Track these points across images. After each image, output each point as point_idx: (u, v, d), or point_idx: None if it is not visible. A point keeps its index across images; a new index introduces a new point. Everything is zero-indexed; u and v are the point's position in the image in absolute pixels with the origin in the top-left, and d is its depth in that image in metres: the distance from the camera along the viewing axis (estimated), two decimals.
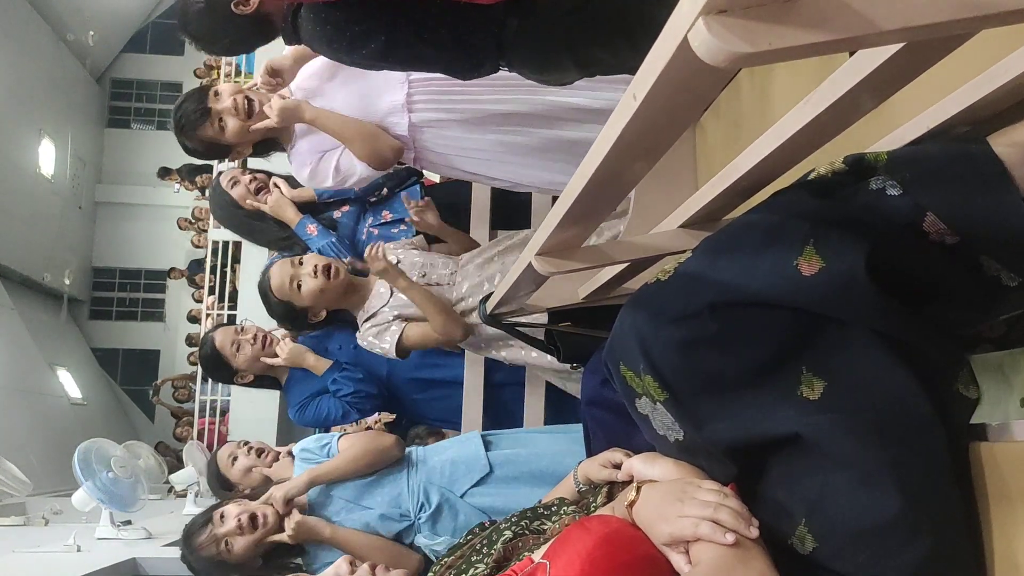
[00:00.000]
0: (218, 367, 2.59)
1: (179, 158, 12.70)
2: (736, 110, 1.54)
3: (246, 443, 2.37)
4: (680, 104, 0.65)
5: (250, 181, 2.66)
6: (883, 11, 0.53)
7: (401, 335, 2.25)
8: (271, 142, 2.25)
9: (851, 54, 0.71)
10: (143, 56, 15.47)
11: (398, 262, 2.28)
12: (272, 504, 2.05)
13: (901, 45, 0.62)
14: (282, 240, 2.67)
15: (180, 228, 12.21)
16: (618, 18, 1.57)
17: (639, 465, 1.04)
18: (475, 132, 2.08)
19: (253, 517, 2.02)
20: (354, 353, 2.50)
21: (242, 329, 2.57)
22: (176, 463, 6.58)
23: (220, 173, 2.85)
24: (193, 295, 11.90)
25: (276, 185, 2.68)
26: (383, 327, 2.28)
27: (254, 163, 2.99)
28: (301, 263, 2.28)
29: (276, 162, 2.53)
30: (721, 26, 0.50)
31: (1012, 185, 0.78)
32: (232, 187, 2.67)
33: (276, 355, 2.50)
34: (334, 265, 2.25)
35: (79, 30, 13.30)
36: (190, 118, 2.15)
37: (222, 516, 2.05)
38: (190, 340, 11.60)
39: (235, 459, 2.32)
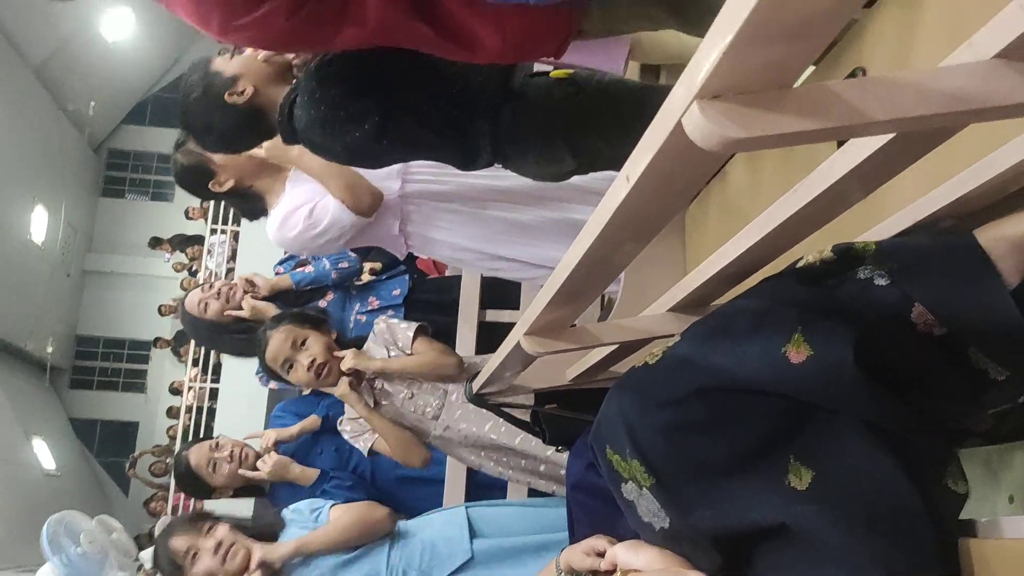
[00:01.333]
0: (195, 486, 2.49)
1: (170, 229, 12.80)
2: (726, 197, 1.56)
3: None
4: (673, 187, 0.65)
5: (217, 294, 2.58)
6: (874, 102, 0.53)
7: (372, 446, 2.28)
8: (258, 203, 2.25)
9: (840, 144, 0.72)
10: (142, 128, 15.68)
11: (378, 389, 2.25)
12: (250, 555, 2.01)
13: (891, 136, 0.63)
14: None
15: (161, 314, 12.18)
16: (612, 107, 1.60)
17: (623, 553, 1.01)
18: (469, 207, 2.09)
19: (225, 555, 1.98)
20: (337, 457, 2.47)
21: (217, 445, 2.45)
22: (147, 540, 6.41)
23: (184, 300, 2.72)
24: (179, 356, 11.80)
25: (247, 281, 2.62)
26: (358, 432, 2.29)
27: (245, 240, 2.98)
28: (304, 345, 2.20)
29: (266, 241, 2.51)
30: (715, 111, 0.51)
31: (998, 278, 0.79)
32: (204, 310, 2.59)
33: (258, 469, 2.41)
34: (330, 364, 2.20)
35: (80, 100, 13.51)
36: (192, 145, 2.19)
37: (195, 556, 1.99)
38: (170, 412, 11.45)
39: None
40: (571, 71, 1.63)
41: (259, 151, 2.06)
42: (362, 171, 2.06)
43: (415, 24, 1.40)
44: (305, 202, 2.12)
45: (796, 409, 0.85)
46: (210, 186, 2.21)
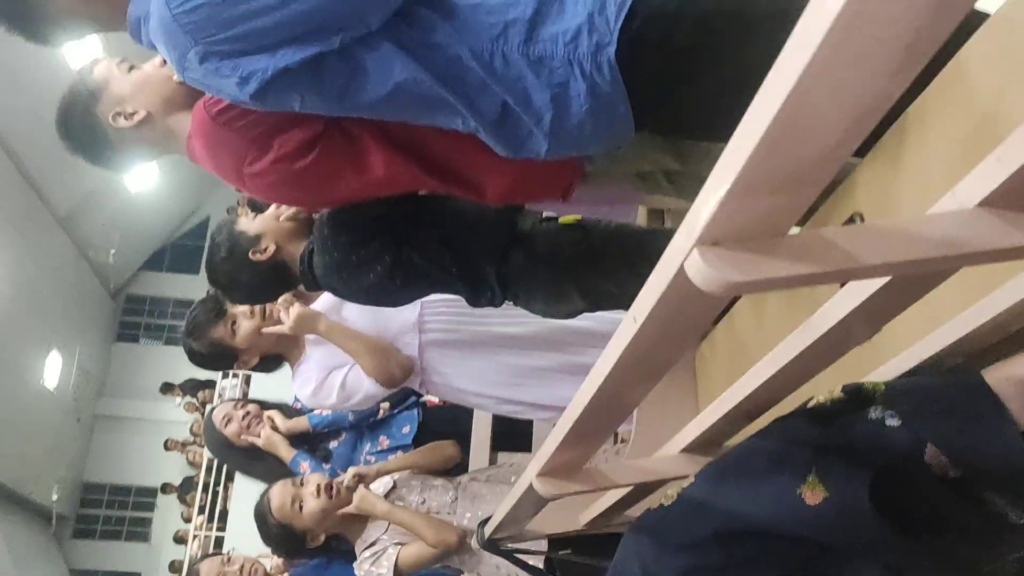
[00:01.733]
0: None
1: (182, 374, 12.87)
2: (734, 336, 1.58)
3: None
4: (678, 327, 0.67)
5: (243, 416, 2.67)
6: (866, 248, 0.56)
7: (397, 559, 2.19)
8: (277, 358, 2.28)
9: (841, 285, 0.74)
10: (160, 274, 16.04)
11: (392, 488, 2.25)
12: None
13: (888, 279, 0.65)
14: (278, 477, 2.65)
15: (167, 448, 12.07)
16: (619, 250, 1.66)
17: None
18: (483, 354, 2.12)
19: None
20: None
21: (229, 559, 2.48)
22: None
23: (213, 409, 2.86)
24: (182, 514, 11.57)
25: (270, 418, 2.68)
26: (379, 552, 2.22)
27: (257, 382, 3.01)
28: (303, 483, 2.25)
29: (279, 379, 2.55)
30: (715, 256, 0.54)
31: (1009, 419, 0.79)
32: (226, 425, 2.67)
33: None
34: (337, 485, 2.22)
35: (102, 248, 13.88)
36: (204, 318, 2.20)
37: None
38: (172, 567, 11.13)
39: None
40: (579, 217, 1.70)
41: (284, 328, 2.12)
42: (384, 318, 2.11)
43: (420, 176, 1.48)
44: (335, 367, 2.17)
45: (813, 551, 0.84)
46: (236, 366, 2.29)
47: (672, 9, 1.18)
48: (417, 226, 1.66)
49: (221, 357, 2.24)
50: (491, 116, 1.25)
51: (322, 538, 2.25)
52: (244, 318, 2.18)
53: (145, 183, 13.32)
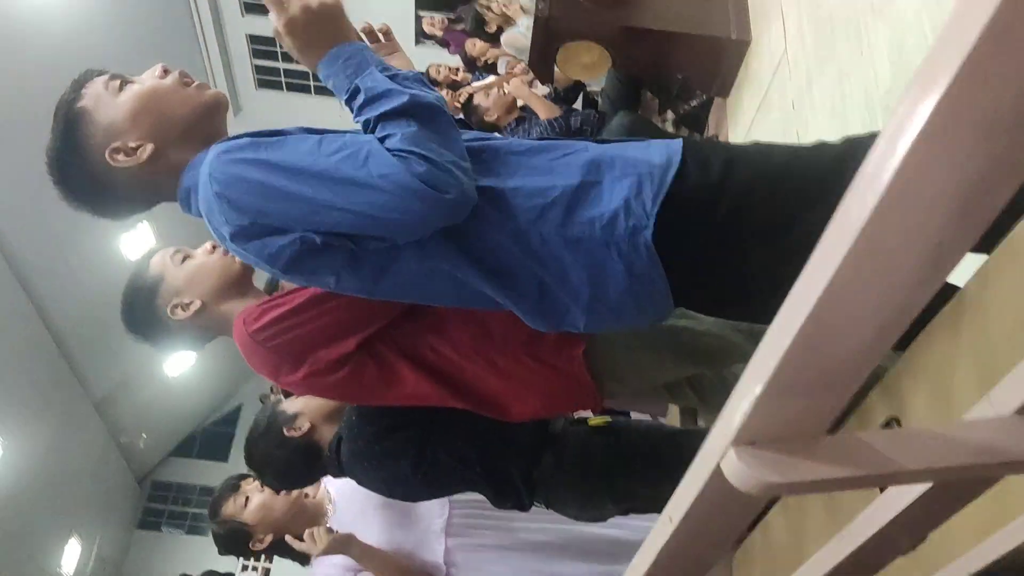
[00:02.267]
0: None
1: (202, 565, 12.46)
2: (770, 545, 1.52)
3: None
4: (714, 528, 0.66)
5: None
6: (905, 452, 0.56)
7: None
8: (294, 551, 2.23)
9: (881, 491, 0.73)
10: (189, 460, 15.93)
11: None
12: None
13: (928, 485, 0.64)
14: None
15: None
16: (651, 451, 1.64)
17: None
18: (512, 560, 2.07)
19: None
20: None
21: None
22: None
23: None
24: None
25: None
26: None
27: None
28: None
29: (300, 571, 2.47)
30: (751, 456, 0.54)
31: None
32: None
33: None
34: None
35: (133, 433, 13.91)
36: (219, 495, 2.18)
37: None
38: None
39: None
40: (608, 419, 1.70)
41: (310, 548, 2.09)
42: (410, 521, 2.07)
43: (447, 396, 1.52)
44: (356, 569, 2.12)
45: None
46: (251, 547, 2.24)
47: (710, 188, 1.18)
48: (444, 422, 1.67)
49: (235, 537, 2.19)
50: (531, 297, 1.24)
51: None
52: (255, 491, 2.15)
53: (182, 368, 13.53)
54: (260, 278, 1.79)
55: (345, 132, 1.24)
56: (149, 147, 1.31)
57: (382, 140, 1.14)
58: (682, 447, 1.61)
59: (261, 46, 11.17)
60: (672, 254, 1.18)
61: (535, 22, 4.21)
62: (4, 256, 8.97)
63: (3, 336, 9.28)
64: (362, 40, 1.27)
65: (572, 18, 4.15)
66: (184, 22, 10.41)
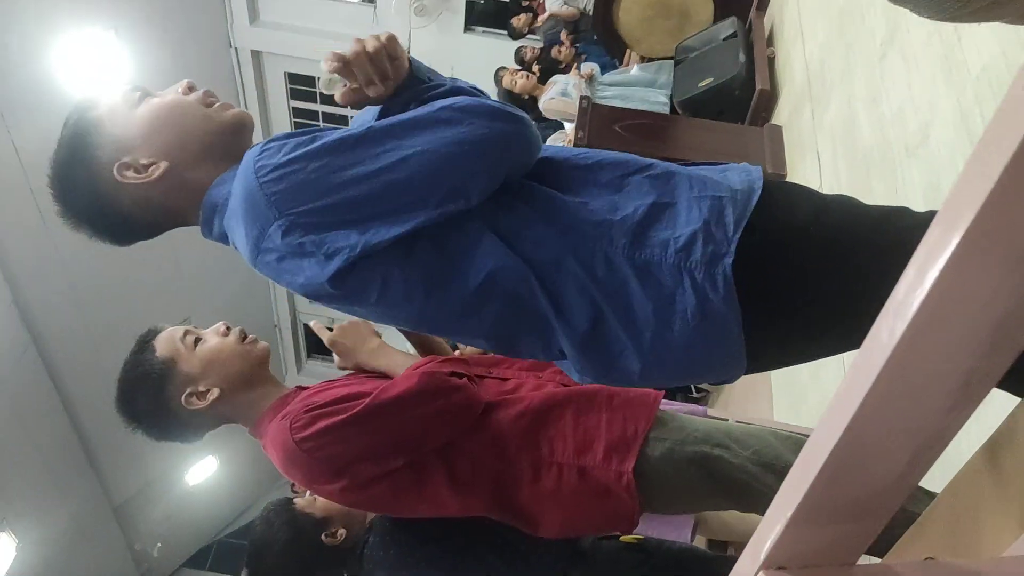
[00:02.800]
0: None
1: None
2: None
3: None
4: None
5: None
6: None
7: None
8: None
9: None
10: (201, 573, 15.57)
11: None
12: None
13: None
14: None
15: None
16: (683, 574, 1.59)
17: None
18: None
19: None
20: None
21: None
22: None
23: None
24: None
25: None
26: None
27: None
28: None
29: None
30: None
31: None
32: None
33: None
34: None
35: (148, 540, 13.68)
36: None
37: None
38: None
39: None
40: (641, 537, 1.65)
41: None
42: None
43: (480, 508, 1.51)
44: None
45: None
46: None
47: (798, 224, 1.07)
48: (478, 539, 1.64)
49: None
50: (582, 327, 1.09)
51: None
52: None
53: (204, 476, 13.42)
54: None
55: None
56: (163, 165, 1.19)
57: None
58: (714, 573, 1.56)
59: (299, 85, 11.18)
60: (748, 291, 1.04)
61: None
62: (38, 350, 9.11)
63: (28, 432, 9.31)
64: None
65: (609, 146, 4.28)
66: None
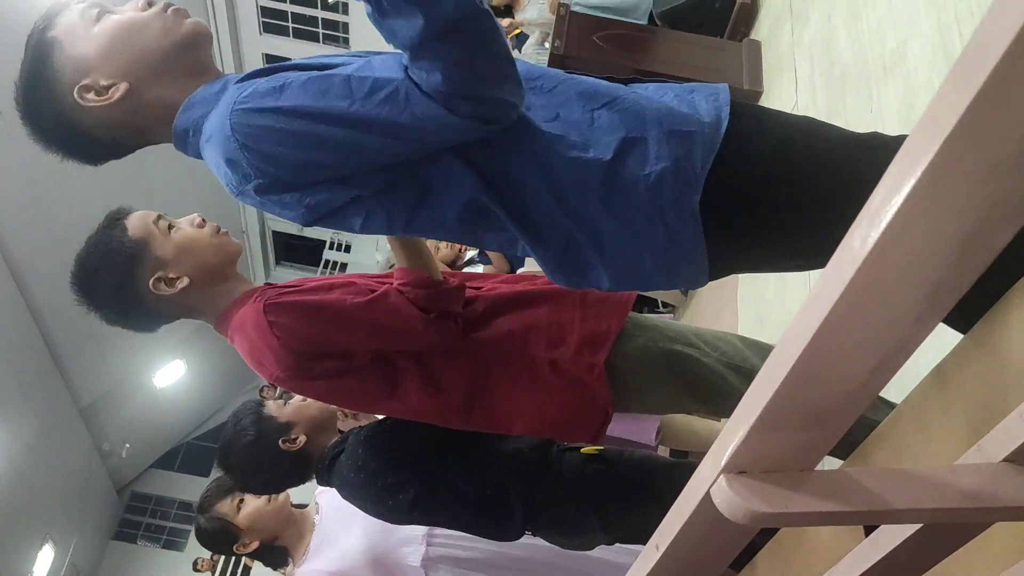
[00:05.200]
0: None
1: None
2: (775, 568, 1.51)
3: None
4: (701, 558, 0.66)
5: None
6: (892, 491, 0.57)
7: None
8: (280, 552, 2.20)
9: (867, 534, 0.73)
10: (170, 474, 15.79)
11: None
12: None
13: (917, 527, 0.65)
14: None
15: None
16: (643, 481, 1.64)
17: None
18: (493, 572, 2.04)
19: None
20: None
21: None
22: None
23: None
24: None
25: None
26: None
27: None
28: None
29: None
30: (741, 485, 0.54)
31: None
32: None
33: None
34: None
35: (116, 441, 13.79)
36: (215, 491, 2.13)
37: None
38: None
39: None
40: (601, 447, 1.69)
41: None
42: (389, 527, 2.04)
43: (449, 413, 1.52)
44: (341, 573, 2.08)
45: None
46: (235, 548, 2.20)
47: (765, 154, 1.09)
48: (448, 462, 1.66)
49: (223, 535, 2.13)
50: (555, 250, 1.14)
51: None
52: (252, 497, 2.11)
53: (172, 379, 13.47)
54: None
55: (370, 58, 1.12)
56: (123, 86, 1.17)
57: (420, 80, 1.03)
58: (675, 479, 1.60)
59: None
60: (713, 221, 1.08)
61: (550, 60, 4.26)
62: (1, 254, 8.97)
63: None
64: None
65: (586, 58, 4.20)
66: None
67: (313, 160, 1.07)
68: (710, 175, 1.07)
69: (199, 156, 1.18)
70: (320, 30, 11.04)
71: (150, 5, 1.21)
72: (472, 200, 1.12)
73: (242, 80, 1.14)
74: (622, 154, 1.09)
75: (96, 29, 1.18)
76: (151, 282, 1.48)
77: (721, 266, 1.15)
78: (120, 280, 1.48)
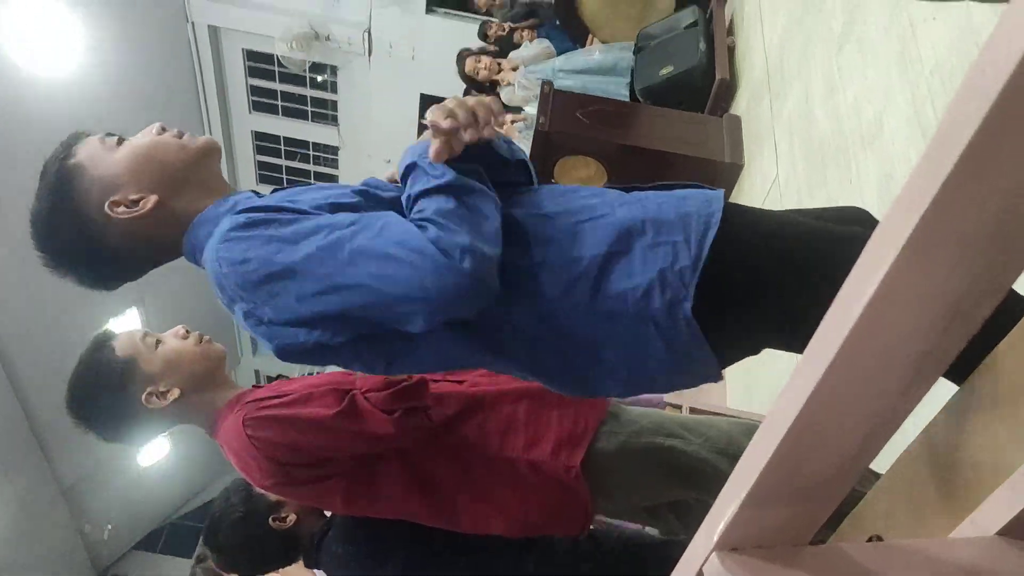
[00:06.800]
0: None
1: None
2: None
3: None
4: None
5: None
6: (888, 567, 0.56)
7: None
8: None
9: None
10: (151, 555, 15.40)
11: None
12: None
13: None
14: None
15: None
16: (633, 561, 1.61)
17: None
18: None
19: None
20: None
21: None
22: None
23: None
24: None
25: None
26: None
27: None
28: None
29: None
30: (733, 562, 0.53)
31: None
32: None
33: None
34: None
35: (98, 522, 13.47)
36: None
37: None
38: None
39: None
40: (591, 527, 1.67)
41: None
42: None
43: (435, 518, 1.56)
44: None
45: None
46: None
47: (754, 253, 1.10)
48: (434, 539, 1.64)
49: None
50: (557, 369, 1.14)
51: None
52: None
53: (156, 458, 13.25)
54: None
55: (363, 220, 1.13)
56: (152, 198, 1.23)
57: (414, 215, 1.07)
58: (668, 558, 1.58)
59: (257, 63, 10.96)
60: (712, 322, 1.07)
61: (535, 136, 4.33)
62: None
63: None
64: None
65: (571, 134, 4.28)
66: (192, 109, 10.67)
67: (289, 305, 1.09)
68: (701, 281, 1.07)
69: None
70: (309, 108, 11.24)
71: (164, 130, 1.28)
72: (455, 342, 1.12)
73: (241, 212, 1.15)
74: (606, 270, 1.09)
75: (120, 152, 1.25)
76: (143, 397, 1.54)
77: (730, 355, 1.14)
78: (114, 400, 1.54)
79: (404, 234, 1.03)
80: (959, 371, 0.77)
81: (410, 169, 1.12)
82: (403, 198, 1.12)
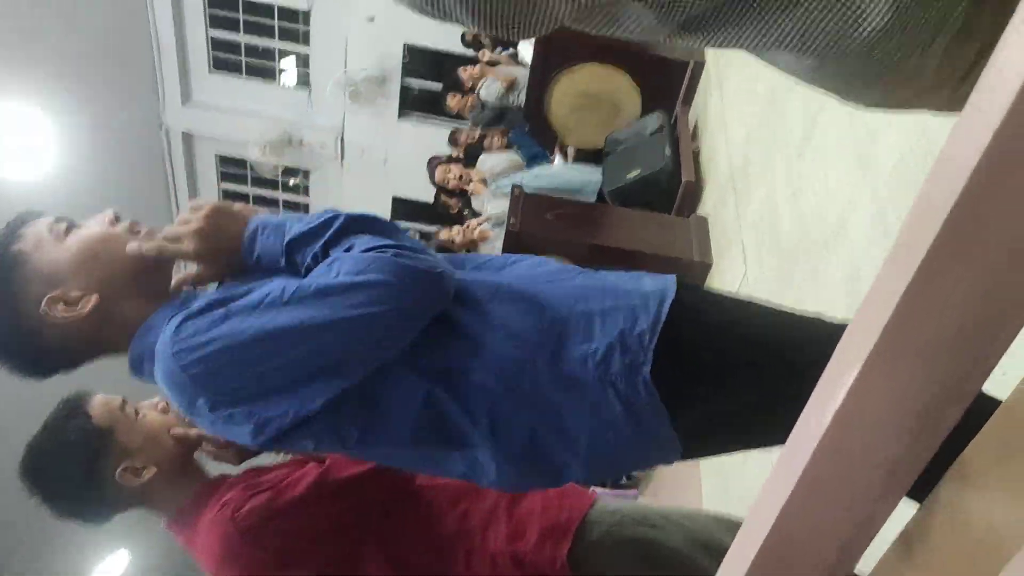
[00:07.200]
0: None
1: None
2: None
3: None
4: None
5: None
6: None
7: None
8: None
9: None
10: None
11: None
12: None
13: None
14: None
15: None
16: None
17: None
18: None
19: None
20: None
21: None
22: None
23: None
24: None
25: None
26: None
27: None
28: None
29: None
30: None
31: None
32: None
33: None
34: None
35: None
36: None
37: None
38: None
39: None
40: None
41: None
42: None
43: None
44: None
45: None
46: None
47: (711, 328, 1.10)
48: None
49: None
50: (517, 447, 1.10)
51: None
52: None
53: (114, 572, 12.73)
54: None
55: None
56: (93, 298, 1.15)
57: (334, 260, 1.05)
58: None
59: (230, 169, 10.88)
60: (672, 392, 1.06)
61: (506, 235, 4.39)
62: None
63: None
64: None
65: (541, 234, 4.35)
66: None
67: (256, 376, 1.05)
68: (659, 346, 1.07)
69: (154, 382, 1.14)
70: (281, 211, 11.28)
71: (118, 220, 1.21)
72: (422, 409, 1.09)
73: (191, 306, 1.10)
74: (565, 334, 1.09)
75: (67, 243, 1.18)
76: (118, 472, 1.40)
77: (693, 444, 1.13)
78: (82, 471, 1.39)
79: (360, 263, 1.02)
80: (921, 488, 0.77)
81: (290, 246, 1.10)
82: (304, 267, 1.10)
